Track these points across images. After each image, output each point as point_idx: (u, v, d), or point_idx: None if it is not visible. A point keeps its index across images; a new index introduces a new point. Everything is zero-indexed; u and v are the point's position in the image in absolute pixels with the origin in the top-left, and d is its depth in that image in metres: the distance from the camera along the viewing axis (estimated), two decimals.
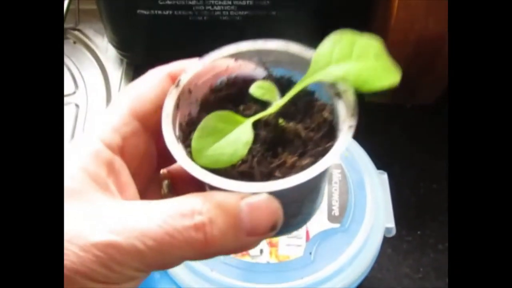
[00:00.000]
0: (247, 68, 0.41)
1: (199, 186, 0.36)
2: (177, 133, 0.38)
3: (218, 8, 0.61)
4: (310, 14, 0.62)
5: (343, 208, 0.55)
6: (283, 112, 0.39)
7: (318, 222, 0.56)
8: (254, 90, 0.37)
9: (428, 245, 0.67)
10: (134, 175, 0.37)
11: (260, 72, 0.42)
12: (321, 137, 0.38)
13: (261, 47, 0.40)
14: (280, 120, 0.39)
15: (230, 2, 0.60)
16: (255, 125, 0.38)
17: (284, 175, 0.36)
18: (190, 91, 0.39)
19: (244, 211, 0.34)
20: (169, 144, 0.35)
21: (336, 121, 0.38)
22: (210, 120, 0.36)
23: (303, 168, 0.36)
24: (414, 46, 0.63)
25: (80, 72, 0.80)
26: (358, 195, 0.55)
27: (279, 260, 0.55)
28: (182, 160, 0.35)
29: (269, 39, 0.40)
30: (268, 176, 0.36)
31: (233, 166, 0.37)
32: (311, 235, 0.55)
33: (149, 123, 0.38)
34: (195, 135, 0.36)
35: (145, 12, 0.64)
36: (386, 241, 0.54)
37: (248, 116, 0.38)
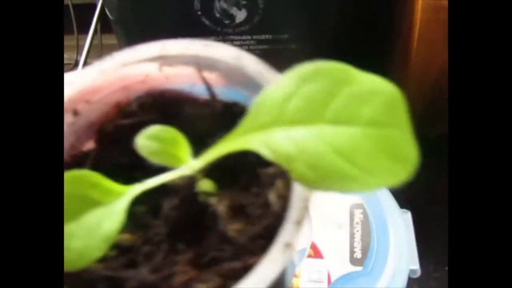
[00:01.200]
0: (181, 81, 0.25)
1: None
2: None
3: (238, 43, 0.59)
4: (329, 48, 0.60)
5: (365, 250, 0.50)
6: (217, 171, 0.23)
7: (340, 265, 0.48)
8: (142, 142, 0.21)
9: None
10: None
11: (202, 90, 0.25)
12: (253, 236, 0.21)
13: (201, 52, 0.24)
14: (204, 185, 0.23)
15: (249, 37, 0.59)
16: (161, 189, 0.23)
17: None
18: (76, 112, 0.24)
19: None
20: None
21: (287, 212, 0.21)
22: (64, 183, 0.21)
23: None
24: (437, 76, 0.57)
25: None
26: (380, 236, 0.51)
27: None
28: None
29: (214, 41, 0.23)
30: None
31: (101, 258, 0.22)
32: (332, 279, 0.47)
33: None
34: None
35: None
36: (412, 278, 0.51)
37: (149, 174, 0.22)
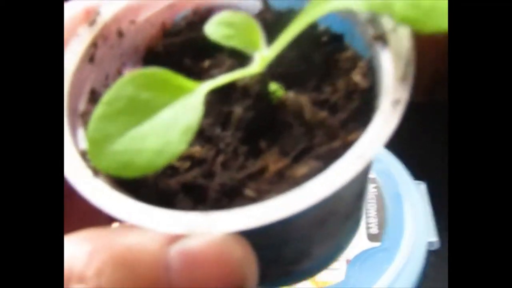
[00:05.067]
0: None
1: None
2: (86, 106, 0.21)
3: None
4: None
5: (381, 225, 0.50)
6: (284, 72, 0.21)
7: (356, 241, 0.47)
8: (213, 28, 0.20)
9: None
10: None
11: (252, 3, 0.24)
12: (345, 121, 0.19)
13: None
14: (274, 87, 0.21)
15: None
16: (229, 97, 0.21)
17: (259, 195, 0.18)
18: (121, 33, 0.22)
19: (175, 266, 0.17)
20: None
21: (375, 89, 0.20)
22: (126, 85, 0.19)
23: (297, 182, 0.18)
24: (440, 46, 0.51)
25: None
26: (396, 209, 0.50)
27: (318, 286, 0.46)
28: (66, 157, 0.18)
29: None
30: (231, 194, 0.19)
31: (172, 171, 0.20)
32: (350, 256, 0.48)
33: None
34: (95, 114, 0.19)
35: None
36: (430, 250, 0.51)
37: (209, 78, 0.20)
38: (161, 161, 0.18)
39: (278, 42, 0.20)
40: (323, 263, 0.23)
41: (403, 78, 0.18)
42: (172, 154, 0.18)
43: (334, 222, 0.21)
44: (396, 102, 0.17)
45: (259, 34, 0.20)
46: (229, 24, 0.19)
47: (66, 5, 0.23)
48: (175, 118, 0.18)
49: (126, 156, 0.18)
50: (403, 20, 0.17)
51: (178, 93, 0.19)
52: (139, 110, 0.19)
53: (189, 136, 0.18)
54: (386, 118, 0.17)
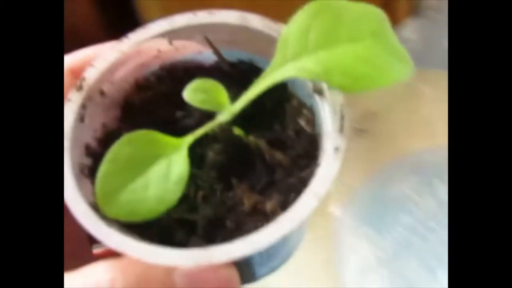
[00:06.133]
0: (188, 51, 0.28)
1: None
2: (83, 160, 0.25)
3: None
4: None
5: None
6: (241, 116, 0.27)
7: None
8: (190, 95, 0.24)
9: None
10: None
11: (207, 56, 0.29)
12: (296, 157, 0.25)
13: (206, 20, 0.27)
14: (237, 131, 0.26)
15: None
16: (201, 141, 0.26)
17: (238, 225, 0.24)
18: (102, 93, 0.27)
19: (180, 284, 0.22)
20: (65, 183, 0.23)
21: (318, 132, 0.26)
22: (123, 146, 0.24)
23: (268, 216, 0.24)
24: None
25: None
26: None
27: None
28: (79, 210, 0.23)
29: (216, 9, 0.27)
30: (215, 225, 0.24)
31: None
32: None
33: None
34: (101, 172, 0.23)
35: None
36: None
37: (187, 129, 0.25)
38: (162, 207, 0.23)
39: (242, 100, 0.25)
40: (280, 263, 0.29)
41: (339, 130, 0.24)
42: (170, 201, 0.23)
43: (293, 236, 0.27)
44: (336, 149, 0.23)
45: (226, 97, 0.25)
46: (203, 90, 0.24)
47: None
48: (168, 170, 0.23)
49: (131, 206, 0.23)
50: (338, 87, 0.23)
51: (167, 149, 0.24)
52: (137, 166, 0.24)
53: (182, 185, 0.23)
54: (331, 161, 0.23)
